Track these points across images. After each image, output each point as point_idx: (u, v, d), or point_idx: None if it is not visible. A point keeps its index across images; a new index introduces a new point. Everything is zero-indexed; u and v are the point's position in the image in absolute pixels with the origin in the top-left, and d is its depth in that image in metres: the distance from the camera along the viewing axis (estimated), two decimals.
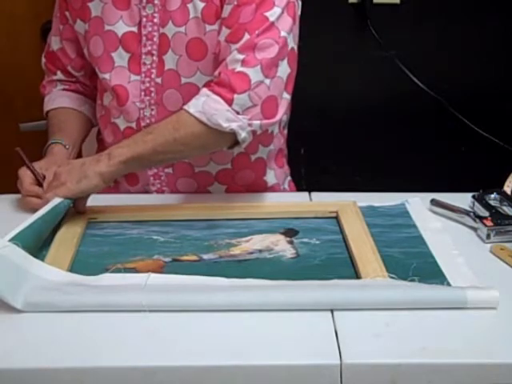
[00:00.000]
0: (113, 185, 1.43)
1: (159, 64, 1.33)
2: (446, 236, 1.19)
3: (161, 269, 1.09)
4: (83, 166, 1.21)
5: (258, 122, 1.22)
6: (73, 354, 0.90)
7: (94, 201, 1.26)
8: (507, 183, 1.32)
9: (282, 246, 1.16)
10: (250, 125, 1.21)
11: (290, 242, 1.17)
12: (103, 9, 1.34)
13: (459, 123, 2.18)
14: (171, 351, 0.91)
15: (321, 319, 0.97)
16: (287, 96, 1.26)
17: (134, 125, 1.37)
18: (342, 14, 2.13)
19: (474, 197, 1.29)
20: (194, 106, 1.20)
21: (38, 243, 1.13)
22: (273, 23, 1.22)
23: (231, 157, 1.40)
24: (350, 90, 2.19)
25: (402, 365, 0.90)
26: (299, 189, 1.58)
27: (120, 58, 1.35)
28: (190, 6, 1.29)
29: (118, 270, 1.08)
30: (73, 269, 1.09)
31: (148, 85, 1.35)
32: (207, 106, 1.19)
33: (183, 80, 1.33)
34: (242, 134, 1.20)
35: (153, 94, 1.35)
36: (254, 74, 1.20)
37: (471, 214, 1.24)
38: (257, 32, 1.21)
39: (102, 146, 1.50)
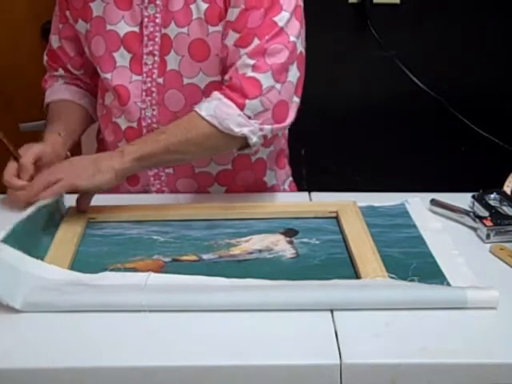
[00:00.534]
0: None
1: (161, 64, 1.33)
2: (445, 236, 1.19)
3: (161, 269, 1.09)
4: (97, 160, 1.23)
5: (269, 126, 1.24)
6: (73, 354, 0.90)
7: (94, 201, 1.26)
8: (507, 183, 1.32)
9: (281, 246, 1.16)
10: (261, 129, 1.23)
11: (290, 242, 1.17)
12: (105, 9, 1.34)
13: (459, 123, 2.18)
14: (171, 351, 0.91)
15: (321, 319, 0.97)
16: (297, 99, 1.28)
17: (135, 124, 1.37)
18: (342, 14, 2.13)
19: (473, 197, 1.29)
20: (205, 109, 1.22)
21: (32, 241, 1.12)
22: (282, 28, 1.24)
23: (232, 157, 1.40)
24: (350, 90, 2.19)
25: (401, 365, 0.90)
26: (300, 189, 1.58)
27: (121, 57, 1.35)
28: (192, 6, 1.29)
29: (118, 270, 1.08)
30: (73, 268, 1.09)
31: (149, 85, 1.35)
32: (219, 110, 1.21)
33: (185, 81, 1.33)
34: (254, 139, 1.23)
35: (154, 95, 1.35)
36: (265, 80, 1.22)
37: (471, 213, 1.24)
38: (267, 37, 1.23)
39: (102, 146, 1.50)
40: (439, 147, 2.22)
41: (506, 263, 1.12)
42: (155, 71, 1.34)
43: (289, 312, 0.98)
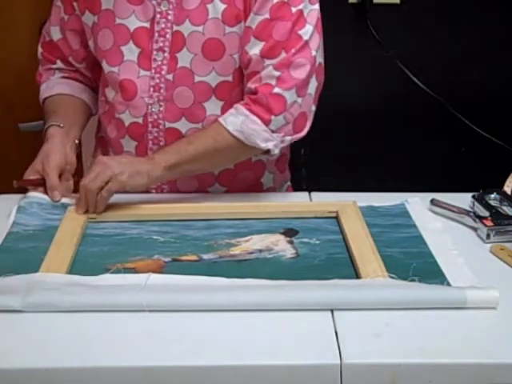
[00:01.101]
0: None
1: (171, 61, 1.34)
2: (446, 236, 1.19)
3: (161, 269, 1.09)
4: (134, 162, 1.27)
5: (289, 137, 1.32)
6: (73, 354, 0.90)
7: None
8: (507, 183, 1.32)
9: (281, 246, 1.16)
10: (282, 141, 1.31)
11: (290, 242, 1.17)
12: (115, 2, 1.34)
13: (459, 123, 2.18)
14: (171, 351, 0.91)
15: (321, 319, 0.97)
16: (314, 108, 1.35)
17: (140, 120, 1.37)
18: (342, 14, 2.13)
19: (474, 197, 1.29)
20: (232, 124, 1.28)
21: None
22: (307, 42, 1.29)
23: None
24: (350, 90, 2.18)
25: (401, 365, 0.90)
26: (300, 189, 1.57)
27: (130, 52, 1.35)
28: (209, 6, 1.30)
29: (118, 270, 1.08)
30: (73, 268, 1.09)
31: (158, 81, 1.35)
32: (245, 126, 1.28)
33: (197, 78, 1.33)
34: (276, 151, 1.31)
35: (162, 91, 1.35)
36: (290, 96, 1.29)
37: (471, 214, 1.24)
38: (293, 51, 1.28)
39: (101, 144, 1.50)
40: (439, 147, 2.22)
41: (506, 263, 1.12)
42: (164, 67, 1.34)
43: (289, 312, 0.98)
